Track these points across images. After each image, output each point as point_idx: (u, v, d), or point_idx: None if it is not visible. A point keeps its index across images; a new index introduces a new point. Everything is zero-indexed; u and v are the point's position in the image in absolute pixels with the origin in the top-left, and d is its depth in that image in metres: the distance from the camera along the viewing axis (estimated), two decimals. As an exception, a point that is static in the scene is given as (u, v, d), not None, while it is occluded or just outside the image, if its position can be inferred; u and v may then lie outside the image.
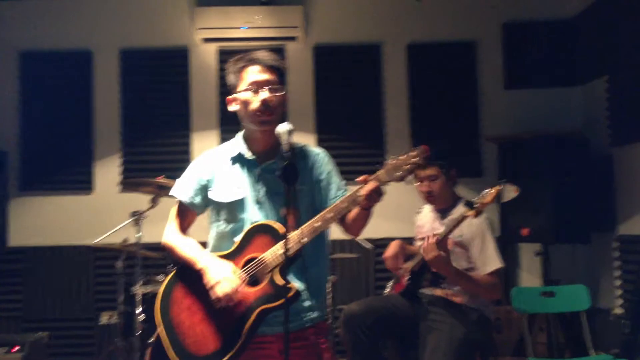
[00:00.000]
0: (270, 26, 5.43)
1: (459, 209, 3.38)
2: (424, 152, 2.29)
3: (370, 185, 2.26)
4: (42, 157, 5.58)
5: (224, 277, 2.24)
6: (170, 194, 2.54)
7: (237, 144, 2.47)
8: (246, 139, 2.47)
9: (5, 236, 5.50)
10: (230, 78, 2.44)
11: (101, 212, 5.49)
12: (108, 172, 5.61)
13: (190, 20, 5.58)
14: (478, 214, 3.11)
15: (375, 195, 2.26)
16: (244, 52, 2.46)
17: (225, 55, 5.68)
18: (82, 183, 5.61)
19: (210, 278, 2.26)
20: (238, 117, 2.50)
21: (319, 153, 2.52)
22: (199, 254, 2.36)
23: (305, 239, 2.26)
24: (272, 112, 2.34)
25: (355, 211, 2.36)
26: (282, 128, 2.23)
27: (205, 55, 5.71)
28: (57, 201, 5.59)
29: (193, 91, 5.68)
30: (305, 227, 2.27)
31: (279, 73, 2.41)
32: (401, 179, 2.30)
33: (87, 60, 5.66)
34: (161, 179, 4.25)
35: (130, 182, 4.56)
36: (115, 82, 5.67)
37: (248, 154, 2.43)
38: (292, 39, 5.55)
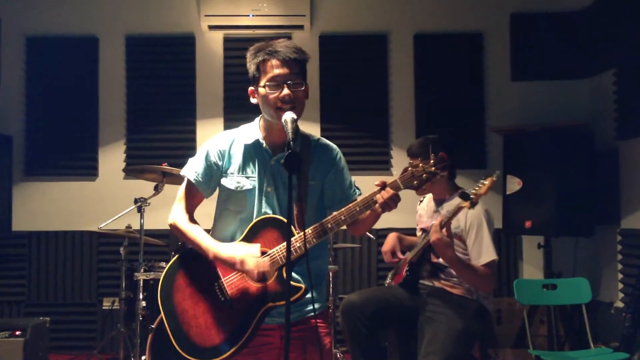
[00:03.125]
0: (277, 14, 5.43)
1: (455, 201, 3.38)
2: (442, 160, 2.26)
3: (387, 193, 2.23)
4: (47, 142, 5.61)
5: (245, 254, 2.22)
6: (180, 173, 2.49)
7: (254, 131, 2.42)
8: (263, 128, 2.41)
9: (10, 221, 5.53)
10: (251, 69, 2.37)
11: (105, 198, 5.51)
12: (112, 158, 5.62)
13: (196, 7, 5.57)
14: (473, 205, 3.10)
15: (392, 203, 2.24)
16: (257, 41, 2.39)
17: (231, 43, 5.68)
18: (87, 169, 5.63)
19: (231, 256, 2.23)
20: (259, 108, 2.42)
21: (332, 149, 2.48)
22: (210, 242, 2.33)
23: (315, 240, 2.26)
24: (292, 108, 2.27)
25: (365, 213, 2.33)
26: (286, 117, 2.21)
27: (211, 43, 5.70)
28: (62, 186, 5.62)
29: (198, 79, 5.69)
30: (316, 227, 2.26)
31: (301, 65, 2.34)
32: (418, 187, 2.28)
33: (93, 46, 5.67)
34: (165, 166, 4.26)
35: (134, 168, 4.56)
36: (121, 69, 5.68)
37: (264, 144, 2.39)
38: (298, 27, 5.54)
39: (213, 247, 2.30)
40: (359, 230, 2.51)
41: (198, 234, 2.36)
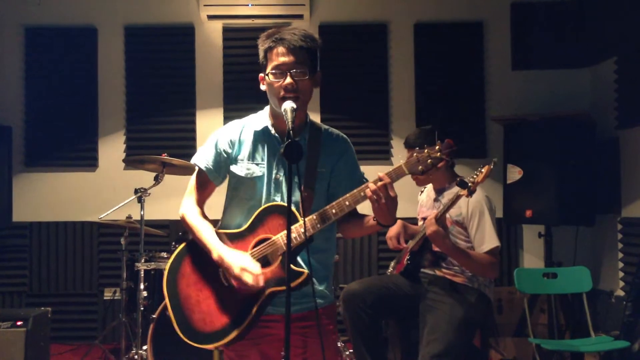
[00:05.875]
0: (276, 4, 5.41)
1: (454, 189, 3.38)
2: (449, 146, 2.24)
3: (381, 183, 2.17)
4: (46, 133, 5.60)
5: (245, 264, 2.21)
6: (191, 161, 2.48)
7: (264, 118, 2.41)
8: (272, 116, 2.40)
9: (10, 211, 5.53)
10: (260, 55, 2.35)
11: (105, 189, 5.52)
12: (112, 148, 5.62)
13: (195, -4, 5.55)
14: (471, 193, 3.11)
15: (383, 194, 2.16)
16: (257, 30, 2.36)
17: (230, 33, 5.66)
18: (87, 159, 5.63)
19: (233, 266, 2.22)
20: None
21: (342, 138, 2.48)
22: (217, 243, 2.30)
23: (319, 225, 2.24)
24: (295, 97, 2.24)
25: (367, 221, 2.33)
26: (286, 106, 2.20)
27: (211, 33, 5.68)
28: (62, 177, 5.62)
29: (198, 69, 5.67)
30: (320, 212, 2.25)
31: (309, 53, 2.29)
32: (423, 172, 2.24)
33: (92, 37, 5.65)
34: (165, 157, 4.25)
35: (134, 159, 4.56)
36: (120, 59, 5.66)
37: (273, 130, 2.38)
38: (298, 16, 5.52)
39: (219, 250, 2.28)
40: (348, 232, 2.49)
41: (205, 233, 2.34)
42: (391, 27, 5.69)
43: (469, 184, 3.08)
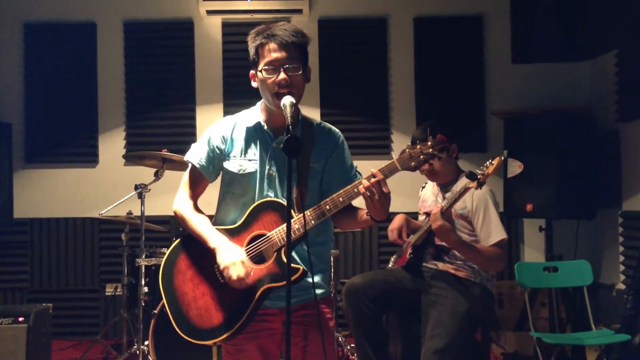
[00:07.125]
0: (276, -2, 5.40)
1: (462, 182, 3.38)
2: (441, 142, 2.25)
3: (374, 179, 2.18)
4: (46, 129, 5.60)
5: (237, 260, 2.22)
6: (184, 158, 2.48)
7: (256, 114, 2.41)
8: (264, 112, 2.41)
9: (11, 208, 5.53)
10: (251, 52, 2.35)
11: (105, 185, 5.52)
12: (112, 144, 5.62)
13: (194, -9, 5.54)
14: (480, 185, 3.11)
15: (376, 190, 2.17)
16: (256, 25, 2.35)
17: (229, 28, 5.65)
18: (87, 155, 5.63)
19: (223, 259, 2.23)
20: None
21: (335, 132, 2.47)
22: (212, 233, 2.32)
23: (314, 222, 2.25)
24: (289, 92, 2.24)
25: (361, 215, 2.34)
26: (285, 101, 2.20)
27: (210, 28, 5.67)
28: (62, 173, 5.62)
29: (197, 64, 5.66)
30: (315, 209, 2.25)
31: (300, 48, 2.31)
32: (415, 168, 2.26)
33: (91, 32, 5.64)
34: (165, 152, 4.25)
35: (134, 154, 4.55)
36: (120, 55, 5.65)
37: (266, 126, 2.38)
38: (297, 11, 5.51)
39: (216, 240, 2.29)
40: (345, 223, 2.49)
41: (200, 224, 2.35)
42: (391, 21, 5.68)
43: (479, 176, 3.08)
